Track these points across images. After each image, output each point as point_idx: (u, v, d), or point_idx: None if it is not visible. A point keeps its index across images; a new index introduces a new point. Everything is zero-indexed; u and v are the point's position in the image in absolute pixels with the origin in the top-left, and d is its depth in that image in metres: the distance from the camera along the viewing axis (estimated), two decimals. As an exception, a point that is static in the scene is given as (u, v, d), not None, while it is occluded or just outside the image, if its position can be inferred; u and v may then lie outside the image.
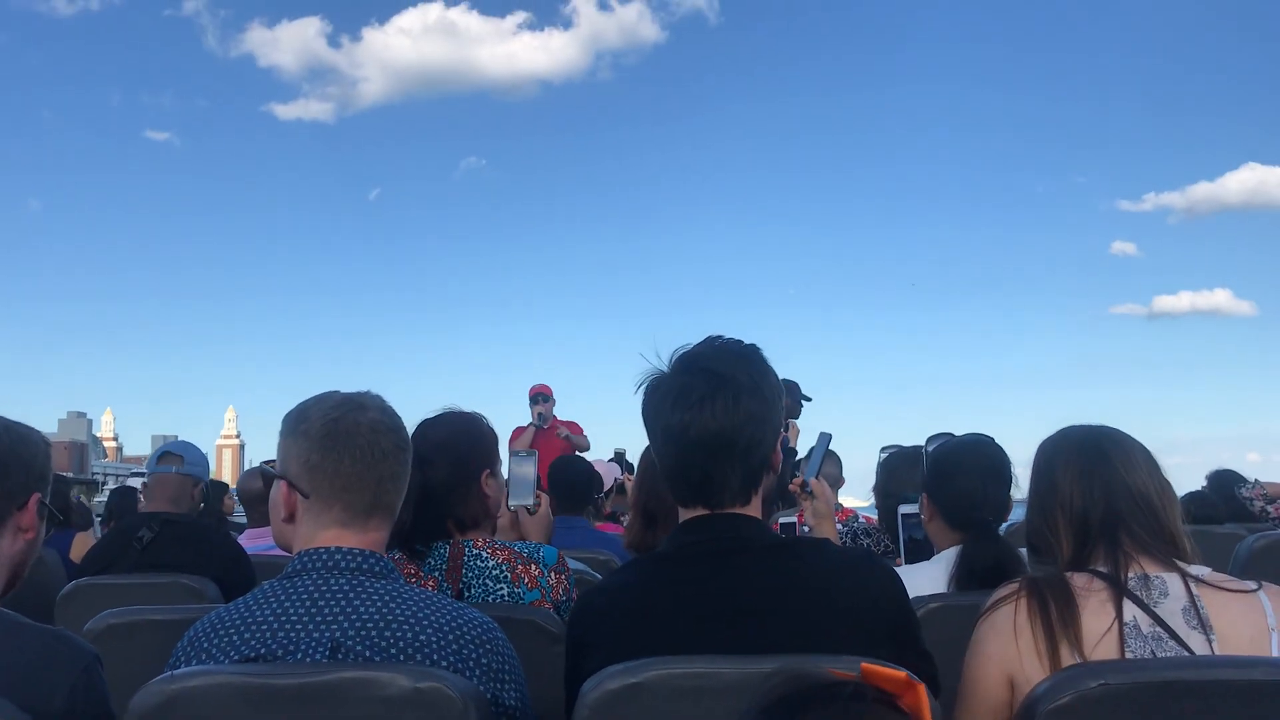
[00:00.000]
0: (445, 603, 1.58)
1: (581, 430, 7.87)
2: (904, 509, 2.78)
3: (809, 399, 5.99)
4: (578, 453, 7.11)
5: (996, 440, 2.55)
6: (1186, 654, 1.52)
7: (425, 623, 1.51)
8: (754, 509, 1.63)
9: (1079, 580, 1.63)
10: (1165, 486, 1.72)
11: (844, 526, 3.67)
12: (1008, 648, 1.60)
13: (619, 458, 6.57)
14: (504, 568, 2.17)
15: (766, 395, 1.60)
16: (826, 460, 5.00)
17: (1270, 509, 5.29)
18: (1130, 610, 1.57)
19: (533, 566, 2.19)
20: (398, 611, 1.51)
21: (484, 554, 2.18)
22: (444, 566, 2.16)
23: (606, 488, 5.38)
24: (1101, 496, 1.68)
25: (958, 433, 3.43)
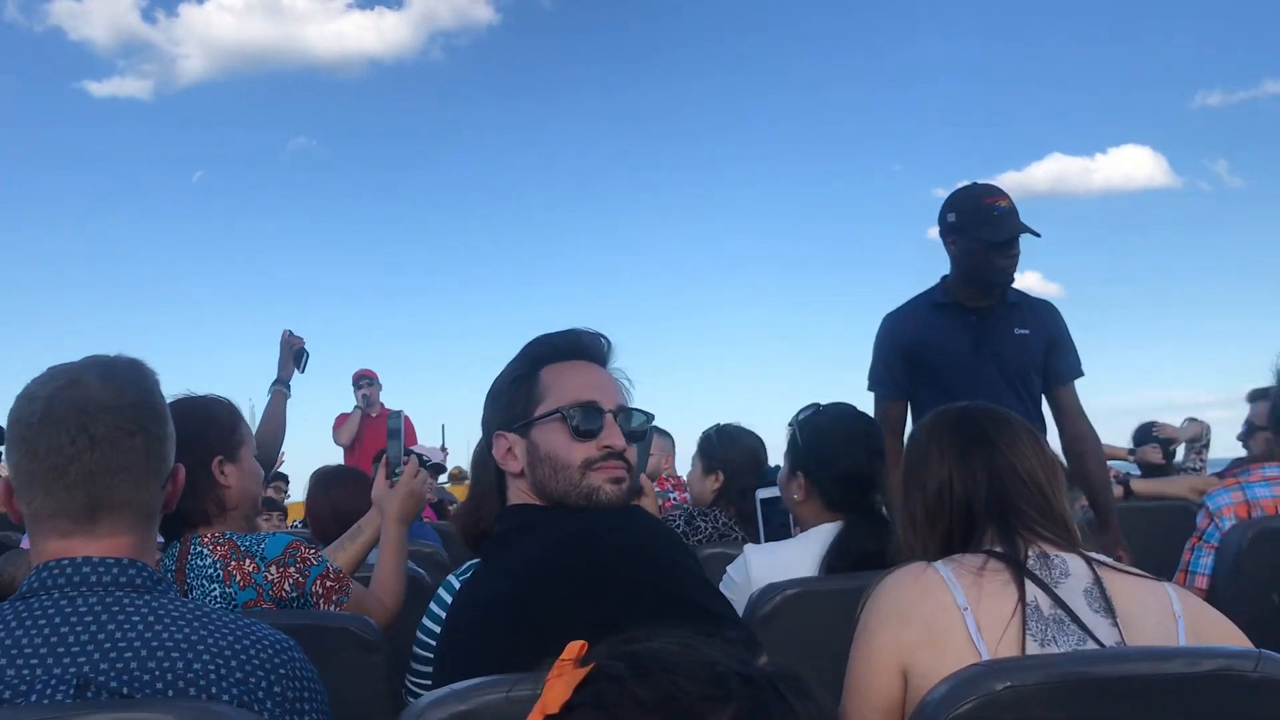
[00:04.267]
0: (228, 620, 1.28)
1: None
2: (763, 494, 2.59)
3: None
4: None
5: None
6: (1088, 638, 1.39)
7: (200, 647, 1.22)
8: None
9: (973, 561, 1.48)
10: (1053, 467, 1.59)
11: (678, 510, 3.54)
12: (900, 636, 1.43)
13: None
14: (218, 565, 1.94)
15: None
16: (658, 437, 4.89)
17: (1197, 458, 5.24)
18: (1031, 590, 1.43)
19: (247, 562, 1.96)
20: (164, 636, 1.21)
21: (205, 550, 1.94)
22: (174, 567, 1.93)
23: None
24: (984, 478, 1.54)
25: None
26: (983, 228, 3.03)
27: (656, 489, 4.79)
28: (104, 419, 1.27)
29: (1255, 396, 3.70)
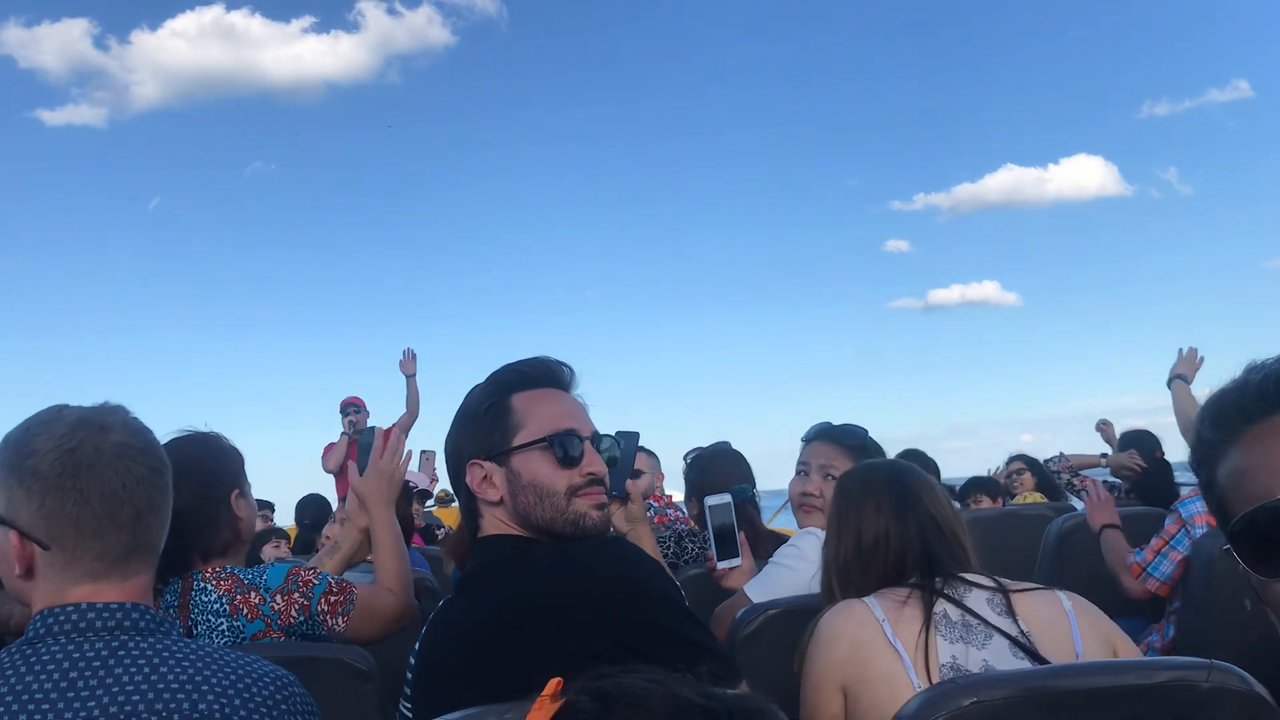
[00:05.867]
0: (229, 658, 1.33)
1: None
2: (710, 500, 2.64)
3: None
4: None
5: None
6: (995, 632, 1.61)
7: (205, 687, 1.26)
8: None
9: (897, 594, 1.70)
10: (957, 511, 1.85)
11: (667, 530, 3.58)
12: (831, 657, 1.65)
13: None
14: (224, 600, 1.97)
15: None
16: (646, 455, 4.87)
17: (1075, 480, 5.42)
18: (940, 605, 1.65)
19: (252, 594, 2.00)
20: (170, 678, 1.26)
21: (209, 586, 1.98)
22: (176, 604, 1.96)
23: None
24: (916, 533, 1.76)
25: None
26: None
27: (652, 503, 4.79)
28: (143, 461, 1.34)
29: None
